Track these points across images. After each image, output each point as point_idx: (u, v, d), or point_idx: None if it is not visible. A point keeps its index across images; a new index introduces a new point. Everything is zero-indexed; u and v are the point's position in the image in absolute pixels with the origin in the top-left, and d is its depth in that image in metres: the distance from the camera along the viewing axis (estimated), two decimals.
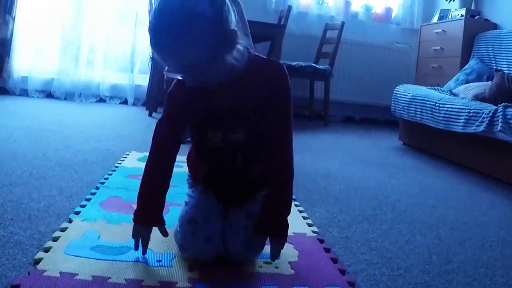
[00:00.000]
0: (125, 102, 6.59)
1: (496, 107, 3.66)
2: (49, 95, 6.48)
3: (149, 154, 1.70)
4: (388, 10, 7.15)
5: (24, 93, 6.51)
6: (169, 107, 1.67)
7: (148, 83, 6.19)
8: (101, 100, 6.60)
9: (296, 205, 2.57)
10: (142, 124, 5.02)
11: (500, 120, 3.55)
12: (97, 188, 2.61)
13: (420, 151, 4.88)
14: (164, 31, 1.37)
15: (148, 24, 1.43)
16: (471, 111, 3.88)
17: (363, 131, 6.15)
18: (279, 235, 1.68)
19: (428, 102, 4.48)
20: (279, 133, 1.68)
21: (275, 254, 1.68)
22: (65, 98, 6.50)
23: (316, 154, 4.18)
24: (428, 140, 4.77)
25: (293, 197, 2.56)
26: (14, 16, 6.34)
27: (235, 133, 1.62)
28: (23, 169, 2.88)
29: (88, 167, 3.08)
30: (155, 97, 5.65)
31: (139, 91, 6.54)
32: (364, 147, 4.91)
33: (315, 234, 2.17)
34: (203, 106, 1.60)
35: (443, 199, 3.06)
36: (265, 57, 1.68)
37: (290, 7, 5.70)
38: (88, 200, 2.38)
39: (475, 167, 4.06)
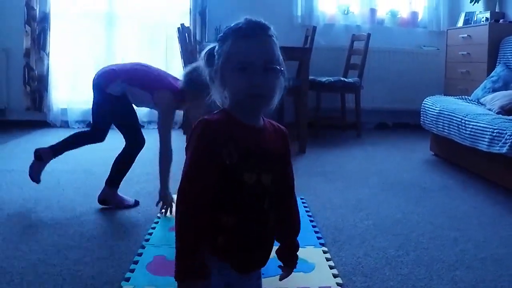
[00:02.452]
0: None
1: None
2: (89, 124, 6.68)
3: (187, 216, 1.49)
4: (414, 14, 7.20)
5: (65, 124, 6.79)
6: (199, 154, 1.50)
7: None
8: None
9: (324, 251, 2.75)
10: (182, 154, 5.18)
11: None
12: (143, 247, 2.78)
13: (450, 164, 4.98)
14: (256, 25, 1.56)
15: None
16: (495, 131, 3.95)
17: (396, 139, 6.30)
18: (292, 265, 1.78)
19: (454, 118, 4.56)
20: (292, 182, 1.73)
21: (283, 278, 1.78)
22: None
23: (348, 181, 4.33)
24: (457, 154, 4.85)
25: (322, 241, 2.83)
26: (48, 52, 6.64)
27: (266, 175, 1.57)
28: (75, 229, 3.08)
29: (133, 219, 3.27)
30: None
31: (176, 114, 6.73)
32: (395, 163, 5.04)
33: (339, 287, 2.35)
34: (241, 147, 1.52)
35: (465, 229, 3.19)
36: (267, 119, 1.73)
37: (315, 28, 5.84)
38: (136, 262, 2.57)
39: (503, 184, 4.14)
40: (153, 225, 3.16)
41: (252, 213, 1.55)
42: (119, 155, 3.68)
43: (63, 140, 3.80)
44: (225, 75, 1.54)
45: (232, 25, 1.59)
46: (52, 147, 3.76)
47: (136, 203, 3.65)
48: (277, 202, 1.63)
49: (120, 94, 3.47)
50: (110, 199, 3.58)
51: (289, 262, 1.77)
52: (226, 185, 1.52)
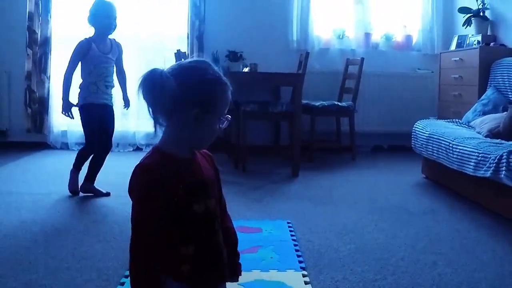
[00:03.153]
0: None
1: (502, 152, 3.81)
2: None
3: (143, 264, 1.57)
4: (408, 38, 7.31)
5: (65, 146, 6.92)
6: (145, 205, 1.58)
7: None
8: (138, 148, 6.93)
9: (303, 275, 2.83)
10: None
11: (504, 167, 3.71)
12: (122, 283, 2.80)
13: (440, 187, 5.05)
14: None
15: None
16: (480, 155, 4.02)
17: (390, 162, 6.39)
18: (236, 272, 1.86)
19: (443, 142, 4.63)
20: (224, 200, 1.84)
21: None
22: None
23: (336, 204, 4.41)
24: (446, 178, 4.93)
25: (303, 265, 2.93)
26: (49, 75, 6.79)
27: (210, 201, 1.67)
28: (68, 249, 3.20)
29: (124, 242, 3.33)
30: None
31: None
32: (385, 186, 5.10)
33: None
34: (185, 182, 1.60)
35: (446, 253, 3.25)
36: None
37: (307, 53, 5.94)
38: (122, 284, 2.69)
39: (489, 207, 4.21)
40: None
41: (206, 238, 1.65)
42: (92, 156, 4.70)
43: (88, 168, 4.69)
44: (204, 119, 1.59)
45: (217, 72, 1.65)
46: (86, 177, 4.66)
47: (107, 194, 4.60)
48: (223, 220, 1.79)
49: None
50: (90, 189, 4.61)
51: (234, 270, 1.85)
52: (178, 219, 1.60)
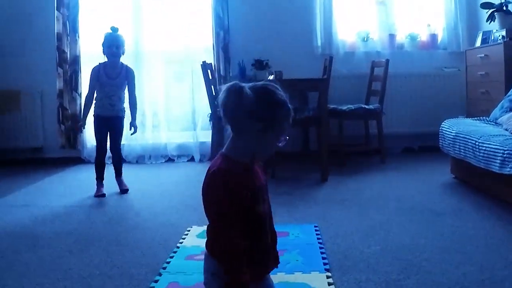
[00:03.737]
0: (192, 159, 7.03)
1: None
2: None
3: (238, 256, 1.79)
4: (433, 36, 7.24)
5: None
6: (228, 200, 1.78)
7: (212, 140, 6.55)
8: (170, 159, 7.04)
9: (327, 276, 2.89)
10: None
11: None
12: (160, 274, 3.02)
13: (468, 186, 5.02)
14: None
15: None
16: (505, 152, 4.01)
17: (420, 163, 6.37)
18: (276, 266, 2.06)
19: (469, 141, 4.61)
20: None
21: None
22: (136, 162, 7.02)
23: (364, 207, 4.44)
24: (474, 176, 4.89)
25: (328, 267, 3.01)
26: (80, 93, 6.94)
27: (265, 204, 1.90)
28: (100, 257, 3.35)
29: (154, 249, 3.51)
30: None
31: (204, 147, 6.92)
32: (413, 187, 5.10)
33: None
34: (251, 188, 1.84)
35: (471, 252, 3.26)
36: None
37: (331, 58, 5.97)
38: None
39: None
40: (172, 254, 3.36)
41: (259, 236, 1.88)
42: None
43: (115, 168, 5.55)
44: (266, 136, 1.82)
45: (284, 96, 1.86)
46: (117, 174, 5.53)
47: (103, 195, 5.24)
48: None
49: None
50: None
51: (276, 259, 2.03)
52: (243, 218, 1.82)
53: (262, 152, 1.88)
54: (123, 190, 5.37)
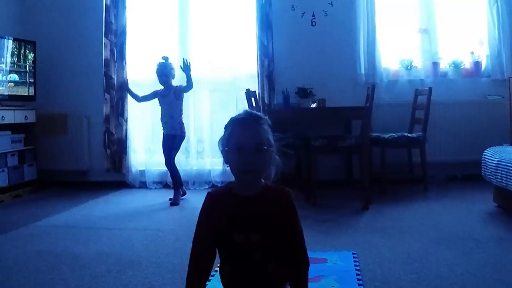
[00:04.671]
0: None
1: None
2: (166, 185, 7.04)
3: (191, 263, 2.17)
4: (477, 64, 7.17)
5: (143, 185, 7.17)
6: (201, 222, 2.15)
7: None
8: (213, 185, 7.10)
9: None
10: None
11: None
12: None
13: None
14: (250, 116, 2.13)
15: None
16: None
17: (462, 191, 6.30)
18: None
19: (511, 168, 4.60)
20: (294, 235, 2.20)
21: None
22: None
23: (403, 235, 4.42)
24: None
25: None
26: (126, 118, 7.07)
27: (254, 235, 2.04)
28: (138, 279, 3.43)
29: None
30: None
31: None
32: (455, 215, 5.08)
33: None
34: (232, 213, 2.06)
35: (510, 282, 3.22)
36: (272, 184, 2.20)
37: (374, 86, 5.97)
38: None
39: None
40: (210, 277, 3.38)
41: (242, 263, 2.04)
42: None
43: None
44: (227, 155, 2.06)
45: (234, 116, 2.13)
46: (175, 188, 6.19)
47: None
48: (283, 254, 2.13)
49: None
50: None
51: None
52: (221, 242, 2.06)
53: (236, 177, 2.12)
54: (172, 203, 6.00)
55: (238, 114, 2.16)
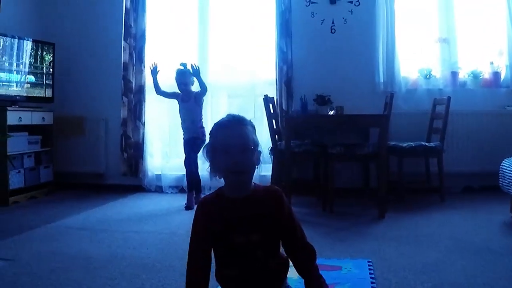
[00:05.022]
0: None
1: None
2: (181, 190, 7.04)
3: (189, 267, 2.19)
4: (496, 74, 7.10)
5: (159, 189, 7.17)
6: (196, 230, 2.19)
7: (272, 173, 6.57)
8: None
9: None
10: None
11: None
12: None
13: None
14: (234, 119, 2.24)
15: None
16: None
17: (479, 202, 6.24)
18: None
19: None
20: (295, 230, 2.24)
21: None
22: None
23: (419, 244, 4.39)
24: None
25: None
26: (144, 122, 7.08)
27: (254, 234, 2.09)
28: (151, 282, 3.43)
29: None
30: (279, 185, 6.04)
31: (265, 181, 6.88)
32: (471, 226, 5.02)
33: None
34: (228, 215, 2.09)
35: None
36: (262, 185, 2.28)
37: (392, 94, 5.95)
38: None
39: None
40: None
41: (246, 263, 2.08)
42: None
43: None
44: (214, 160, 2.12)
45: (217, 121, 2.24)
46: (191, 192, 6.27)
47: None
48: (287, 249, 2.24)
49: None
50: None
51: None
52: (220, 247, 2.10)
53: (226, 179, 2.17)
54: (186, 207, 6.08)
55: (222, 119, 2.26)
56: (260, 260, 2.11)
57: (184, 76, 6.24)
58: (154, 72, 6.43)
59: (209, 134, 2.22)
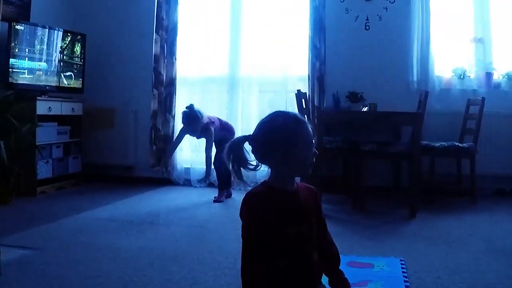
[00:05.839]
0: None
1: None
2: (210, 184, 6.99)
3: (254, 266, 2.01)
4: None
5: (187, 182, 7.14)
6: (252, 220, 2.03)
7: None
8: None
9: None
10: None
11: None
12: None
13: None
14: (302, 117, 2.15)
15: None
16: None
17: (511, 206, 6.13)
18: None
19: None
20: (326, 227, 2.26)
21: None
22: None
23: (452, 245, 4.30)
24: None
25: None
26: (174, 115, 7.06)
27: (304, 226, 2.07)
28: (181, 274, 3.40)
29: (236, 271, 3.43)
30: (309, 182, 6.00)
31: None
32: (504, 229, 4.93)
33: None
34: (283, 206, 2.04)
35: None
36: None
37: (427, 93, 5.86)
38: None
39: None
40: None
41: (297, 255, 2.05)
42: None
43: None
44: (289, 155, 2.04)
45: (292, 116, 2.14)
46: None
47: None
48: (318, 242, 2.17)
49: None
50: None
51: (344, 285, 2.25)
52: (275, 238, 2.00)
53: (299, 169, 2.08)
54: (214, 200, 6.13)
55: (293, 114, 2.16)
56: (307, 252, 2.08)
57: (188, 118, 6.03)
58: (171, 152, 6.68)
59: (285, 131, 2.06)
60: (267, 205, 2.01)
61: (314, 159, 2.08)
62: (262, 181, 2.13)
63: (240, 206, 2.03)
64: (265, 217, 2.00)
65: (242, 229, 2.04)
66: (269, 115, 2.14)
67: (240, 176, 2.14)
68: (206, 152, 6.03)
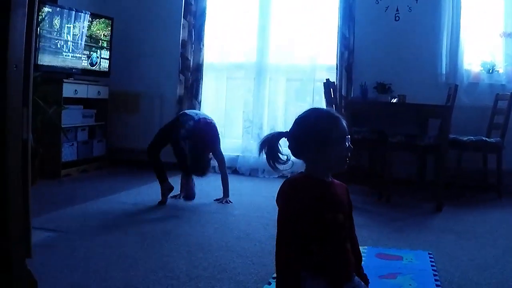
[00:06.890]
0: None
1: None
2: (234, 171, 7.00)
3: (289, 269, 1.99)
4: None
5: (212, 169, 7.07)
6: (292, 204, 2.01)
7: None
8: (283, 175, 7.01)
9: None
10: None
11: None
12: (269, 283, 3.03)
13: None
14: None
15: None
16: None
17: None
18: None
19: None
20: (353, 226, 2.24)
21: None
22: (249, 174, 7.06)
23: (479, 240, 4.28)
24: None
25: None
26: (200, 101, 7.05)
27: (339, 214, 2.06)
28: (208, 261, 3.40)
29: (264, 259, 3.48)
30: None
31: None
32: None
33: None
34: (322, 192, 2.04)
35: None
36: None
37: (456, 86, 5.80)
38: None
39: None
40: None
41: (333, 241, 2.05)
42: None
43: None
44: (329, 147, 2.05)
45: (328, 111, 2.19)
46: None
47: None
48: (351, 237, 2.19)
49: None
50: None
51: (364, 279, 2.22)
52: (312, 224, 2.00)
53: (335, 162, 2.08)
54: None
55: (327, 110, 2.22)
56: (342, 240, 2.10)
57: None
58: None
59: (320, 127, 2.08)
60: (304, 192, 2.02)
61: (350, 154, 2.08)
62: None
63: (278, 192, 2.03)
64: (302, 203, 2.01)
65: (278, 215, 2.04)
66: (305, 111, 2.15)
67: (274, 167, 2.13)
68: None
